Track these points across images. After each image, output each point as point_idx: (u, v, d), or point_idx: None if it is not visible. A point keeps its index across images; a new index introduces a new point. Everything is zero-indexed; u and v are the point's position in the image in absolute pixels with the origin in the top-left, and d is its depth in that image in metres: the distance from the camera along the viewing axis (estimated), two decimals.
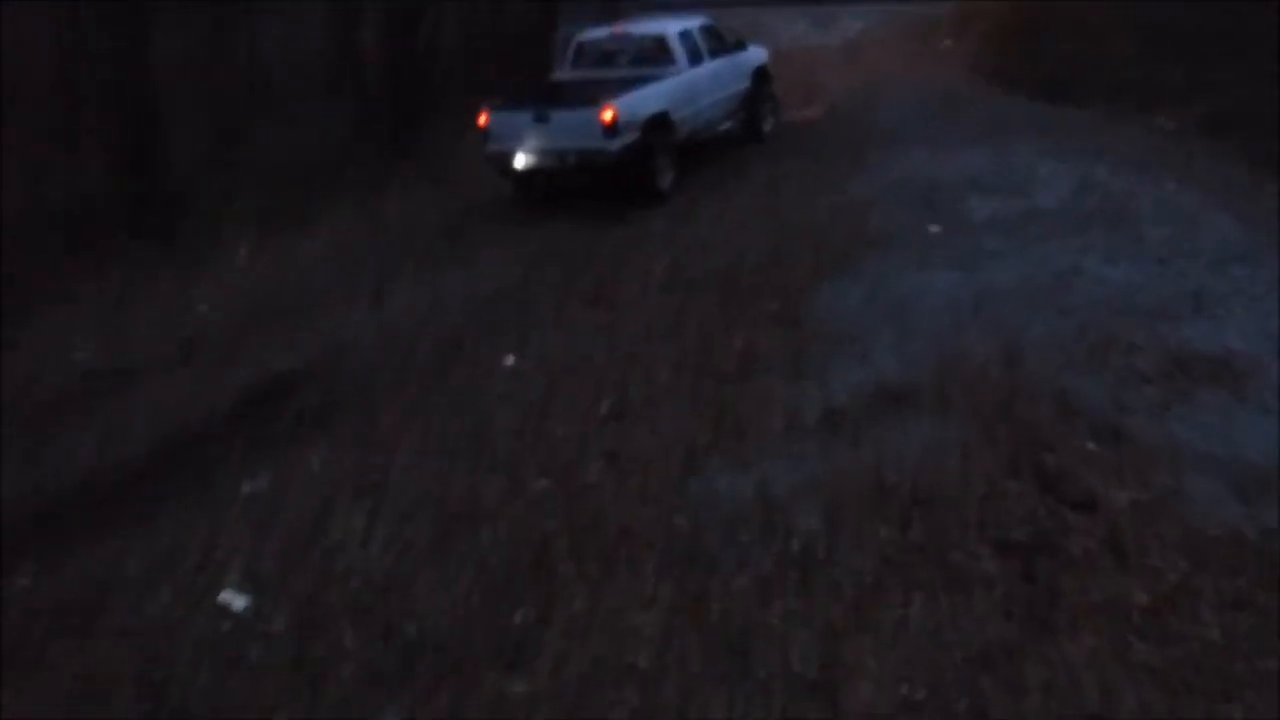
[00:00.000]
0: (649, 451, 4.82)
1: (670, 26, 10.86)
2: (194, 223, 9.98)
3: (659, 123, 9.76)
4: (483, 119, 9.87)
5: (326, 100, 13.31)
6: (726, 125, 11.32)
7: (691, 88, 10.42)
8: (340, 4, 13.08)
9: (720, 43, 11.39)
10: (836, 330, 6.01)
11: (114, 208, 10.02)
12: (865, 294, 6.56)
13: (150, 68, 10.46)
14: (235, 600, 4.34)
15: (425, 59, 13.31)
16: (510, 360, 6.56)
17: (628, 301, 7.33)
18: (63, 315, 8.18)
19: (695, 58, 10.69)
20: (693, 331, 6.38)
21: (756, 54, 12.07)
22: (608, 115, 9.27)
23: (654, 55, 10.51)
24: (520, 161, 9.70)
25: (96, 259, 9.25)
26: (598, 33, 11.17)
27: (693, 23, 11.19)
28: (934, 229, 7.95)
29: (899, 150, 10.66)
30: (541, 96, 10.22)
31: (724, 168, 10.75)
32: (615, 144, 9.38)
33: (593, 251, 8.64)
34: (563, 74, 11.11)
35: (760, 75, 11.92)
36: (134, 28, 10.29)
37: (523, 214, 9.95)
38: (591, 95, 9.50)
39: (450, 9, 14.63)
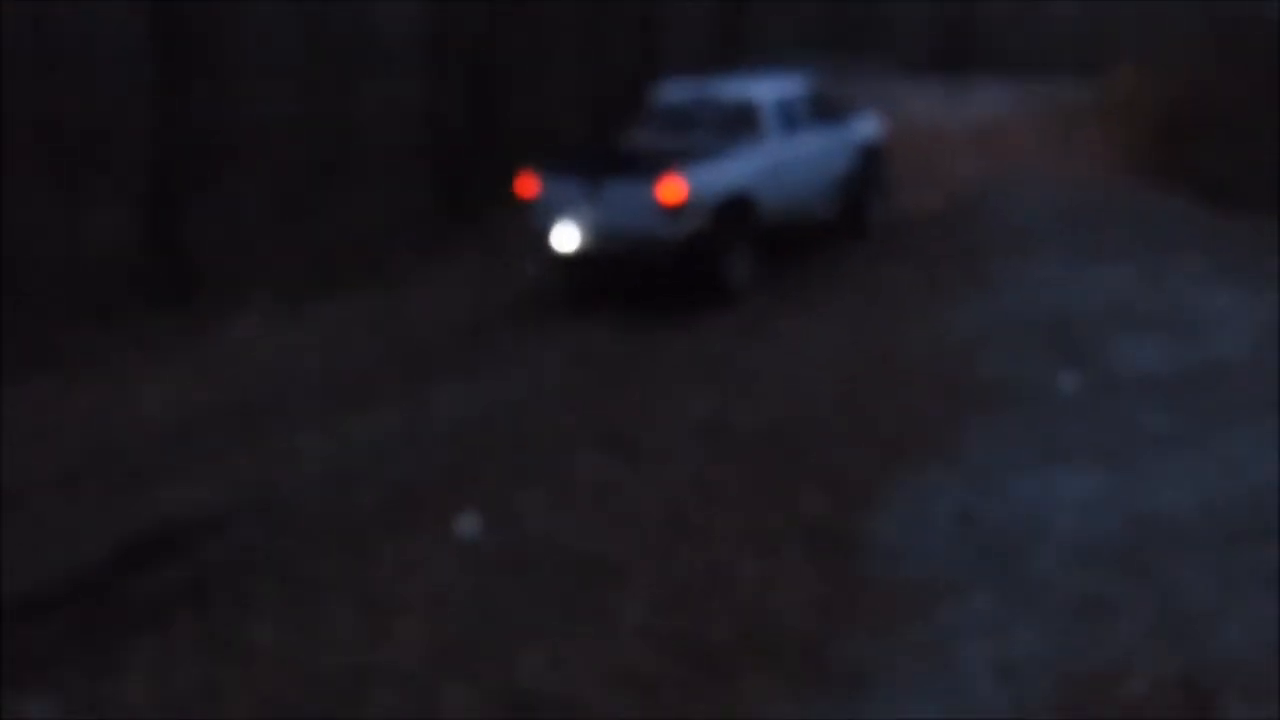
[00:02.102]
0: None
1: (762, 88, 8.36)
2: (212, 294, 8.29)
3: (737, 206, 7.42)
4: (521, 186, 7.66)
5: (409, 166, 11.66)
6: (823, 213, 8.71)
7: (781, 165, 7.94)
8: (434, 71, 11.41)
9: (824, 111, 8.81)
10: (903, 575, 3.61)
11: (134, 275, 8.46)
12: (958, 502, 4.15)
13: (189, 124, 8.92)
14: None
15: (510, 125, 11.49)
16: (469, 529, 4.50)
17: (646, 453, 5.17)
18: (11, 398, 6.51)
19: (790, 127, 8.19)
20: (701, 539, 4.11)
21: (868, 127, 9.43)
22: (670, 192, 7.04)
23: (739, 122, 7.96)
24: (562, 243, 7.44)
25: (94, 329, 7.66)
26: (677, 91, 8.63)
27: (791, 84, 8.70)
28: (1068, 385, 5.47)
29: (1029, 260, 8.13)
30: (596, 163, 7.70)
31: (811, 268, 8.39)
32: (678, 229, 7.12)
33: (629, 370, 6.50)
34: (629, 138, 8.63)
35: (870, 154, 9.25)
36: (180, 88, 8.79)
37: (562, 306, 7.83)
38: (654, 166, 7.18)
39: (549, 69, 12.85)
